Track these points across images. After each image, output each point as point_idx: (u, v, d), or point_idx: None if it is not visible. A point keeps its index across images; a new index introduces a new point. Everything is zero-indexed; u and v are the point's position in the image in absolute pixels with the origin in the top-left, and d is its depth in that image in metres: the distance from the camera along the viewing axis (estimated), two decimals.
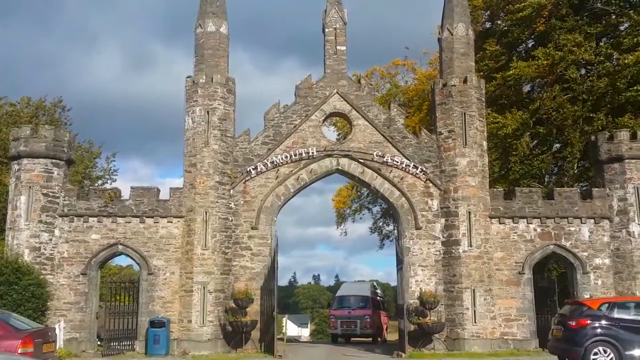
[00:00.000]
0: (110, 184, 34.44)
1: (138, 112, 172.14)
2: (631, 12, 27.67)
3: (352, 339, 28.40)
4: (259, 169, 21.83)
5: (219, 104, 21.75)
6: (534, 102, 28.54)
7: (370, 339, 28.11)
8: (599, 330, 14.04)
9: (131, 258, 21.76)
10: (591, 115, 26.79)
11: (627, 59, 25.64)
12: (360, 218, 39.75)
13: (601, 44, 28.95)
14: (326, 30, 22.95)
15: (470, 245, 20.99)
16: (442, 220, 21.65)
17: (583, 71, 28.92)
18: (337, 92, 22.42)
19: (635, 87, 25.79)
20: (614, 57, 27.46)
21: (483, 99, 22.67)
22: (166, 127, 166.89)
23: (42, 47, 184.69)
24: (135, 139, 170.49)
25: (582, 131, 26.79)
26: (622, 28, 28.69)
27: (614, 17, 28.44)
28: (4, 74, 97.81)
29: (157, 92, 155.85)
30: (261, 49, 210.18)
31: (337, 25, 22.90)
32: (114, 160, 36.57)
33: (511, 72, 27.66)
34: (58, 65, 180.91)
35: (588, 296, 20.49)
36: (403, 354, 19.30)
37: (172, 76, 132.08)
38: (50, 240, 20.91)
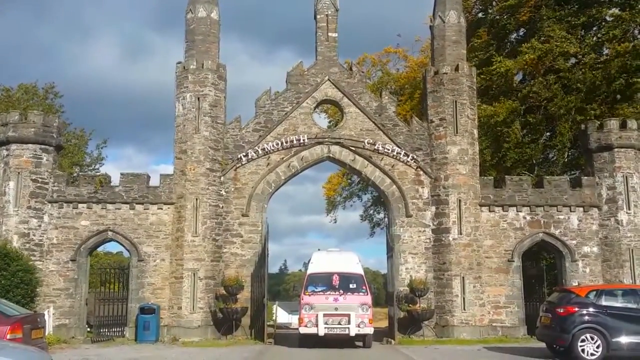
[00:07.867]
0: (98, 169, 34.25)
1: (133, 100, 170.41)
2: (608, 6, 27.58)
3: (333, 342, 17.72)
4: (249, 156, 21.76)
5: (209, 90, 21.61)
6: (524, 90, 28.45)
7: (361, 342, 18.08)
8: (586, 318, 14.14)
9: (121, 245, 21.73)
10: (585, 105, 26.75)
11: (617, 48, 25.57)
12: (351, 206, 39.93)
13: (589, 33, 28.90)
14: (318, 16, 22.81)
15: (460, 233, 21.08)
16: (433, 208, 21.71)
17: (573, 60, 28.88)
18: (328, 79, 22.34)
19: (625, 76, 25.82)
20: (605, 47, 27.44)
21: (474, 87, 22.67)
22: (161, 115, 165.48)
23: (38, 36, 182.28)
24: (130, 127, 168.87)
25: (574, 121, 26.81)
26: (607, 19, 28.65)
27: (595, 5, 28.29)
28: (1, 63, 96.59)
29: (152, 80, 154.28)
30: (257, 39, 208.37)
31: (329, 12, 22.76)
32: (105, 146, 36.32)
33: (495, 66, 27.49)
34: (54, 54, 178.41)
35: (576, 284, 20.63)
36: (393, 341, 19.39)
37: (167, 65, 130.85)
38: (40, 226, 20.78)
